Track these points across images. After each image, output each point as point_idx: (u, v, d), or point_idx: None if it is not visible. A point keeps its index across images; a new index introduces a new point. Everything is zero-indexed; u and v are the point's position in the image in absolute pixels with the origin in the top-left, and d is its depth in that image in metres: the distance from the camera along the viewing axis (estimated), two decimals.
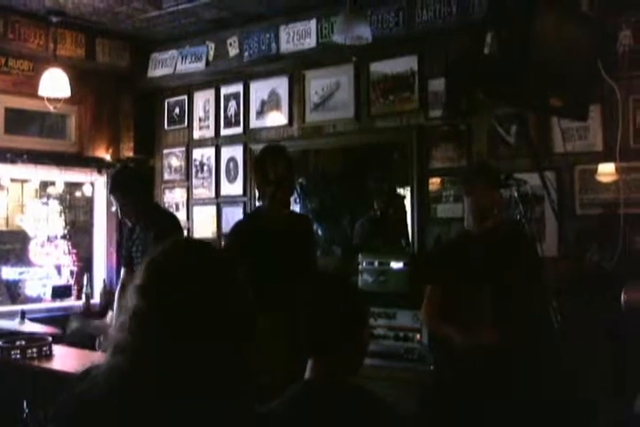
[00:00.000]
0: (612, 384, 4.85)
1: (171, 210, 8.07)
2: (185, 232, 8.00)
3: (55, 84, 7.19)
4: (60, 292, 7.84)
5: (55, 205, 8.08)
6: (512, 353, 3.96)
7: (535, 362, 3.98)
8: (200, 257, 2.03)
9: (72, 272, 8.05)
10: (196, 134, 8.26)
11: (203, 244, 2.12)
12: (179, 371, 1.87)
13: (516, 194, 4.47)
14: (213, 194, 8.03)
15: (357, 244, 6.84)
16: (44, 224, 7.94)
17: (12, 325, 5.96)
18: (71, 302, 7.85)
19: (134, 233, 5.62)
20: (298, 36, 6.92)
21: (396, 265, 6.05)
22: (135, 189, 5.68)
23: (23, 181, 7.89)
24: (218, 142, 8.04)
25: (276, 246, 4.51)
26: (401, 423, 2.58)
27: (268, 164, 4.64)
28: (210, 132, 8.12)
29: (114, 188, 5.74)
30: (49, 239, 7.96)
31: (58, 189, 8.06)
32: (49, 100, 7.29)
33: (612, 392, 4.81)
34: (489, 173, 4.68)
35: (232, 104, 7.86)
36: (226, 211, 7.80)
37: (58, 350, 5.60)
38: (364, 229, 6.97)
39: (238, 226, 4.85)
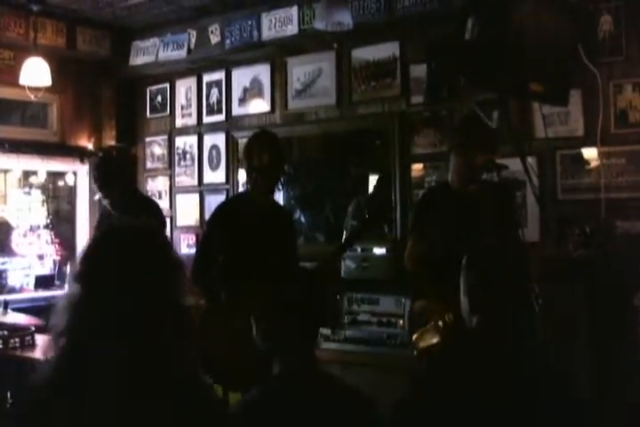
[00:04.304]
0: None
1: (153, 198, 8.06)
2: (167, 220, 8.01)
3: (36, 72, 7.15)
4: (42, 282, 7.80)
5: (38, 195, 8.04)
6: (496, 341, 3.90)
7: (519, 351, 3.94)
8: (130, 244, 2.04)
9: (55, 262, 8.03)
10: (179, 122, 8.23)
11: (136, 230, 2.12)
12: (115, 353, 1.89)
13: (497, 179, 4.47)
14: (196, 182, 8.01)
15: (357, 228, 6.65)
16: (26, 214, 7.90)
17: None
18: (54, 291, 7.82)
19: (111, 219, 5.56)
20: (279, 23, 6.90)
21: (379, 251, 6.05)
22: (120, 179, 5.61)
23: (5, 171, 7.85)
24: (200, 130, 8.02)
25: (253, 232, 4.50)
26: (370, 409, 2.60)
27: (255, 150, 4.62)
28: (192, 120, 8.09)
29: (103, 180, 5.63)
30: (31, 229, 7.93)
31: (40, 178, 8.02)
32: (30, 89, 7.25)
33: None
34: (486, 134, 4.58)
35: (214, 92, 7.84)
36: (209, 199, 7.78)
37: (41, 339, 5.58)
38: (361, 209, 6.89)
39: (218, 210, 4.83)
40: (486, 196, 4.48)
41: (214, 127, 7.88)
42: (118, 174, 5.63)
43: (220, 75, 7.81)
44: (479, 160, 4.38)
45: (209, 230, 4.84)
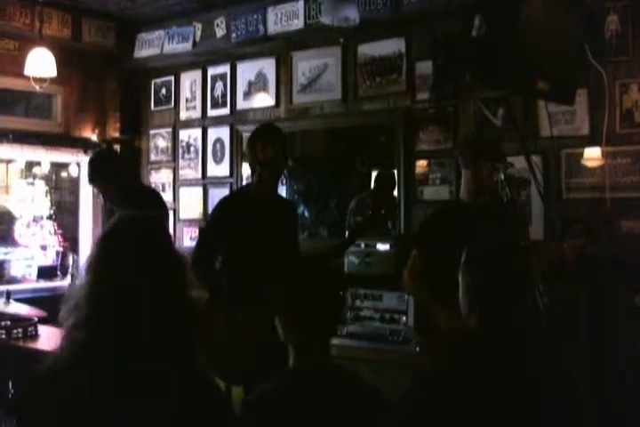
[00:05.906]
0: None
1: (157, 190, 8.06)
2: (170, 213, 7.99)
3: (41, 63, 7.13)
4: (45, 272, 7.82)
5: (41, 186, 8.06)
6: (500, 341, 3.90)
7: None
8: (141, 235, 2.06)
9: (58, 253, 8.04)
10: (183, 115, 8.24)
11: (146, 221, 2.14)
12: (130, 343, 1.90)
13: (502, 177, 4.47)
14: (200, 175, 8.02)
15: (360, 222, 6.65)
16: (29, 204, 7.92)
17: None
18: (57, 282, 7.84)
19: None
20: (285, 18, 6.90)
21: (383, 247, 6.05)
22: (113, 173, 5.56)
23: (8, 162, 7.86)
24: (204, 123, 8.03)
25: (258, 226, 4.48)
26: (386, 407, 2.61)
27: (259, 144, 4.59)
28: (196, 113, 8.09)
29: (92, 176, 5.62)
30: (35, 220, 7.95)
31: (44, 169, 8.04)
32: (35, 79, 7.23)
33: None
34: (492, 147, 4.61)
35: (219, 85, 7.83)
36: (212, 192, 7.78)
37: (43, 330, 5.59)
38: (363, 205, 6.88)
39: (223, 203, 4.79)
40: (496, 209, 4.49)
41: (219, 121, 7.88)
42: (105, 174, 5.56)
43: (224, 68, 7.81)
44: (489, 173, 4.40)
45: (212, 223, 4.78)
